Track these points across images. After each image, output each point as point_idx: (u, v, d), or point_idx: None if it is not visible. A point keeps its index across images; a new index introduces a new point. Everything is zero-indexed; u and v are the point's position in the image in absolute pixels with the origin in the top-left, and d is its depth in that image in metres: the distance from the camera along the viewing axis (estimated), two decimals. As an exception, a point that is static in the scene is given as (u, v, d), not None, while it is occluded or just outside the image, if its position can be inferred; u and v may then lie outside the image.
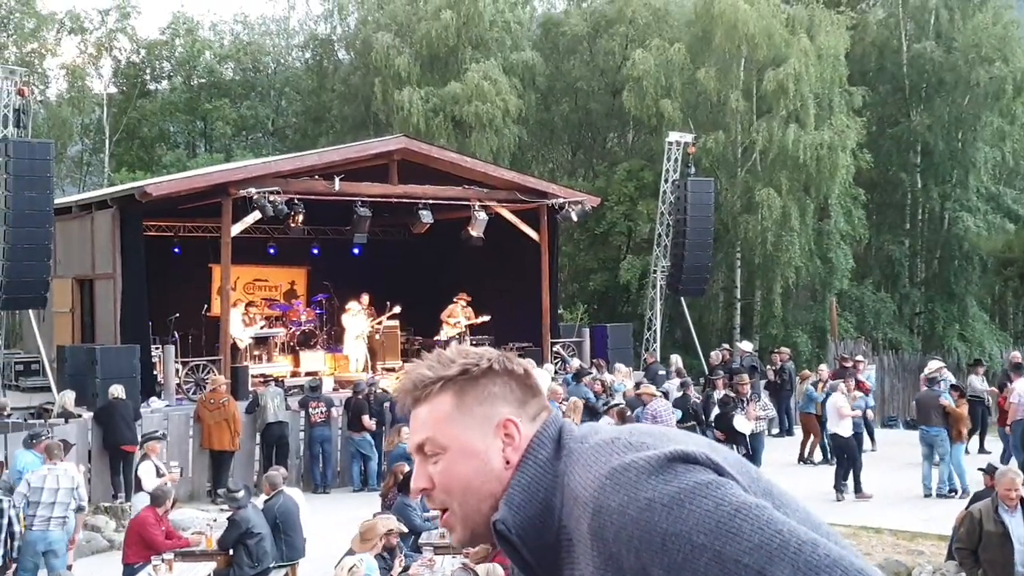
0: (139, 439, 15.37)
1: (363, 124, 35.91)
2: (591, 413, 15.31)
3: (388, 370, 20.91)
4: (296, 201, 18.51)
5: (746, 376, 17.25)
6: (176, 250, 21.62)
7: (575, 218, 21.82)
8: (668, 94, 30.10)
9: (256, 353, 20.09)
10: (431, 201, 20.16)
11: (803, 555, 1.44)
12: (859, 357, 21.18)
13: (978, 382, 18.96)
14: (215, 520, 10.94)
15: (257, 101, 41.11)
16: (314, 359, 21.00)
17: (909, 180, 34.34)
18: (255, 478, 15.58)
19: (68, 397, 15.67)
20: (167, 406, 17.22)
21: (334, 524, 12.58)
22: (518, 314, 21.80)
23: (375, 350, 21.50)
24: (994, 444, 17.88)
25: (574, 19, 36.04)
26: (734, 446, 14.63)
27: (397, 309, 21.58)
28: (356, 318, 21.06)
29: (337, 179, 18.99)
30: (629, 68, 31.21)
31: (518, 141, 33.63)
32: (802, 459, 18.18)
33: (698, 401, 17.14)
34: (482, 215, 20.45)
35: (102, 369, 16.19)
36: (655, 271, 25.83)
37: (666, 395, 16.66)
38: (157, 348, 18.13)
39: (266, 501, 10.70)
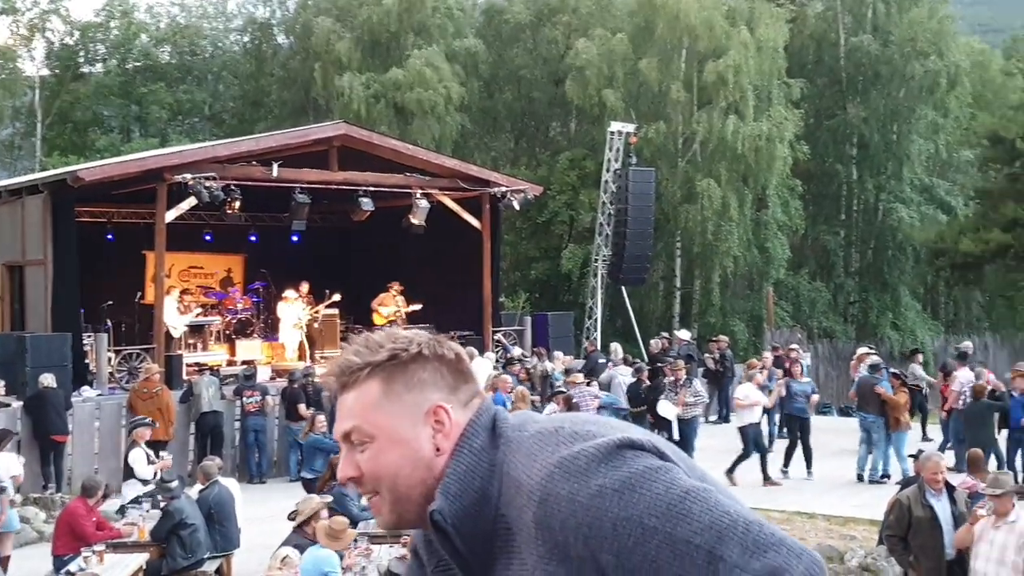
0: (68, 429, 15.15)
1: (302, 110, 35.58)
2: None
3: (326, 359, 20.73)
4: (233, 187, 18.24)
5: (681, 362, 17.42)
6: (109, 236, 21.21)
7: (517, 207, 21.79)
8: (610, 84, 30.18)
9: (191, 341, 19.80)
10: (372, 188, 20.00)
11: (751, 534, 1.47)
12: (793, 345, 21.39)
13: (919, 370, 19.27)
14: (148, 511, 10.75)
15: (194, 85, 40.50)
16: (250, 348, 20.76)
17: (845, 172, 34.87)
18: (189, 468, 15.38)
19: (-4, 386, 15.32)
20: (99, 395, 16.94)
21: (270, 514, 12.43)
22: (459, 302, 21.74)
23: (314, 338, 21.31)
24: (936, 432, 18.12)
25: (517, 7, 35.97)
26: (656, 430, 14.76)
27: (336, 297, 21.40)
28: (292, 306, 20.86)
29: (275, 165, 18.74)
30: (572, 57, 31.26)
31: (460, 129, 33.53)
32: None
33: (645, 386, 17.28)
34: (423, 203, 20.33)
35: (32, 358, 15.82)
36: (596, 260, 25.92)
37: (608, 385, 16.75)
38: (89, 336, 17.80)
39: (201, 491, 10.55)
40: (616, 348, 21.32)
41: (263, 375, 18.69)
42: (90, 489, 10.09)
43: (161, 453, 12.78)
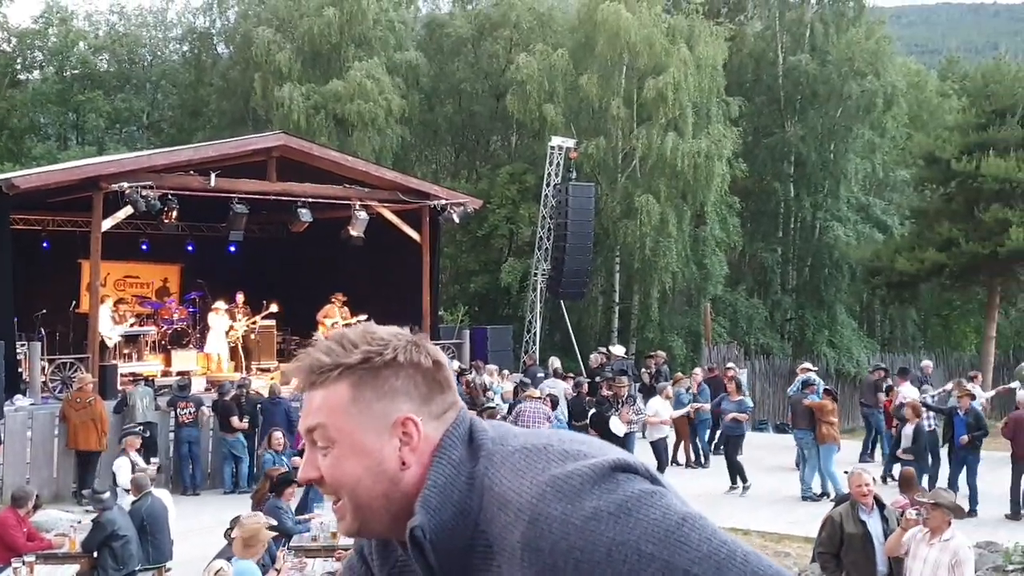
0: (2, 438, 14.90)
1: (242, 120, 35.31)
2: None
3: (263, 370, 20.61)
4: (170, 197, 18.14)
5: (625, 379, 17.56)
6: (45, 244, 20.99)
7: (457, 220, 21.86)
8: (551, 99, 30.34)
9: (126, 351, 19.60)
10: (311, 200, 19.96)
11: (750, 565, 1.42)
12: (730, 364, 21.59)
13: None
14: (79, 522, 10.63)
15: (132, 94, 40.04)
16: (186, 358, 20.59)
17: (782, 189, 35.30)
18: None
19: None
20: (32, 404, 16.68)
21: (204, 526, 12.33)
22: (398, 315, 21.58)
23: (250, 349, 21.18)
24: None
25: (458, 21, 36.06)
26: None
27: (274, 308, 21.30)
28: (221, 317, 20.74)
29: (213, 175, 18.65)
30: (513, 72, 31.37)
31: (401, 141, 33.47)
32: (675, 461, 18.53)
33: (588, 400, 17.39)
34: (363, 215, 20.32)
35: (-37, 366, 15.57)
36: (536, 274, 26.04)
37: (554, 401, 16.84)
38: (23, 344, 17.54)
39: (133, 503, 10.45)
40: (553, 362, 21.45)
41: (198, 386, 18.53)
42: (20, 499, 9.95)
43: (152, 460, 12.73)
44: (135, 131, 40.58)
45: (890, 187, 38.12)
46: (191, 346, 21.04)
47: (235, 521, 9.20)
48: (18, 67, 39.46)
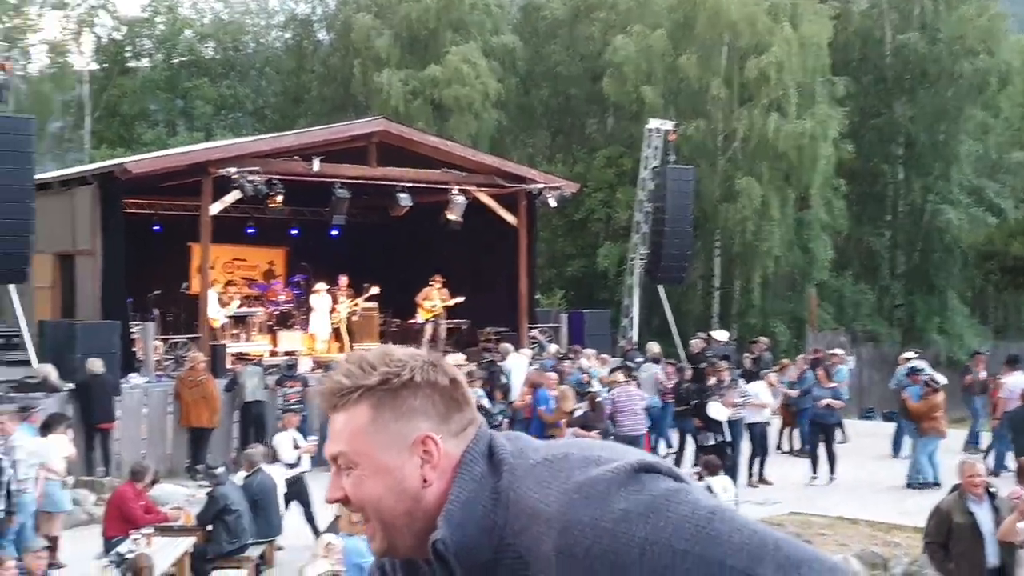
0: (115, 415, 15.41)
1: (342, 106, 35.80)
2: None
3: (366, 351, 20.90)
4: (275, 181, 18.47)
5: (724, 363, 17.30)
6: (156, 228, 21.55)
7: (553, 204, 21.82)
8: (649, 80, 30.10)
9: (235, 332, 20.07)
10: (410, 184, 20.14)
11: (782, 552, 1.44)
12: (837, 350, 21.12)
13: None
14: (193, 496, 10.96)
15: (237, 80, 40.87)
16: (292, 339, 21.00)
17: (891, 171, 34.49)
18: (233, 455, 15.57)
19: (50, 370, 15.60)
20: (147, 382, 17.20)
21: (312, 503, 12.57)
22: (495, 298, 21.82)
23: (353, 331, 21.52)
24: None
25: (555, 3, 35.98)
26: (710, 433, 14.69)
27: (375, 291, 21.58)
28: (322, 298, 21.07)
29: (316, 160, 18.93)
30: (610, 54, 31.18)
31: (497, 125, 33.59)
32: (779, 447, 18.32)
33: (691, 387, 17.20)
34: (460, 199, 20.44)
35: (81, 345, 16.11)
36: (633, 258, 25.85)
37: (638, 382, 16.72)
38: (137, 325, 18.10)
39: (245, 478, 10.74)
40: (652, 347, 21.28)
41: (304, 366, 18.87)
42: (139, 474, 10.31)
43: (310, 437, 13.07)
44: (240, 117, 41.39)
45: (1004, 169, 36.82)
46: (296, 327, 21.44)
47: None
48: (128, 55, 40.55)
